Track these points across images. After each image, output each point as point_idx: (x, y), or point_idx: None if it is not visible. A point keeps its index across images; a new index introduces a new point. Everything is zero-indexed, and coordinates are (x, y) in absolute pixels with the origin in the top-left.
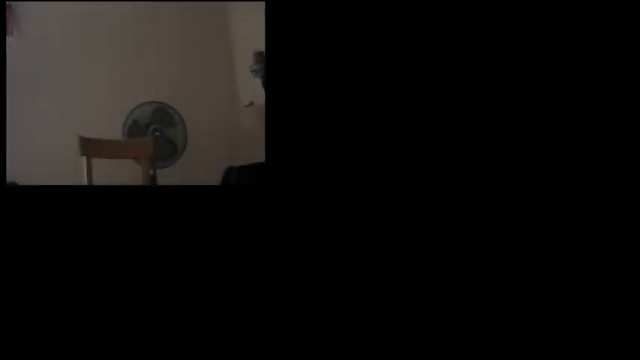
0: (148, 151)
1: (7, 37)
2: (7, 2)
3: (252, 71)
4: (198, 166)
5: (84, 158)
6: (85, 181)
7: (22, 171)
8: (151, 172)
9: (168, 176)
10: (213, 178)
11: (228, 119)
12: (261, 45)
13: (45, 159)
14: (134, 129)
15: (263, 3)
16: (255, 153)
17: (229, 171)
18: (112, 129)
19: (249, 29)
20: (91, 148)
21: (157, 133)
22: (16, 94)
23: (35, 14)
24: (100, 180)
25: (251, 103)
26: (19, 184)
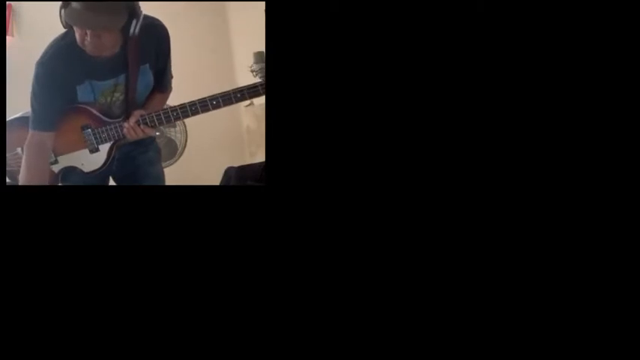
0: None
1: (7, 37)
2: (7, 2)
3: (252, 71)
4: (198, 166)
5: None
6: None
7: None
8: None
9: (169, 176)
10: (213, 178)
11: (228, 119)
12: (261, 45)
13: None
14: None
15: (263, 3)
16: (255, 153)
17: (229, 171)
18: None
19: (249, 29)
20: None
21: (157, 133)
22: (16, 94)
23: (35, 14)
24: None
25: (251, 103)
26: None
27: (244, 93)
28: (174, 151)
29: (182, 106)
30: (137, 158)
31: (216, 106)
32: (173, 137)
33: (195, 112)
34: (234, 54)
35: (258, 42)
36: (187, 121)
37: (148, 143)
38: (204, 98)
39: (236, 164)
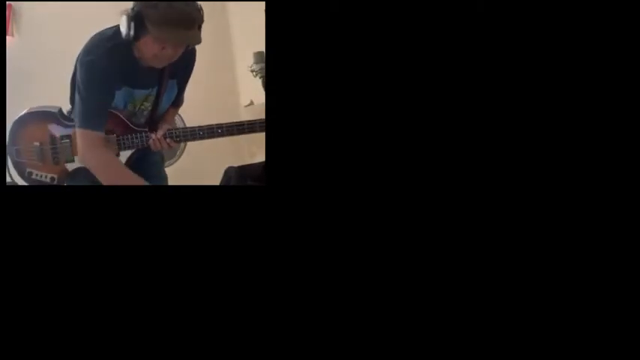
0: None
1: (7, 37)
2: (7, 2)
3: (252, 71)
4: (198, 166)
5: None
6: None
7: None
8: None
9: (169, 176)
10: (213, 178)
11: (228, 119)
12: (261, 45)
13: None
14: None
15: (263, 3)
16: (255, 153)
17: (229, 171)
18: None
19: (249, 29)
20: None
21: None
22: (16, 94)
23: (35, 14)
24: None
25: (251, 103)
26: (19, 184)
27: None
28: (174, 151)
29: (209, 127)
30: (144, 160)
31: (241, 132)
32: None
33: (220, 135)
34: (234, 54)
35: (258, 42)
36: (187, 121)
37: None
38: (232, 123)
39: (236, 164)
